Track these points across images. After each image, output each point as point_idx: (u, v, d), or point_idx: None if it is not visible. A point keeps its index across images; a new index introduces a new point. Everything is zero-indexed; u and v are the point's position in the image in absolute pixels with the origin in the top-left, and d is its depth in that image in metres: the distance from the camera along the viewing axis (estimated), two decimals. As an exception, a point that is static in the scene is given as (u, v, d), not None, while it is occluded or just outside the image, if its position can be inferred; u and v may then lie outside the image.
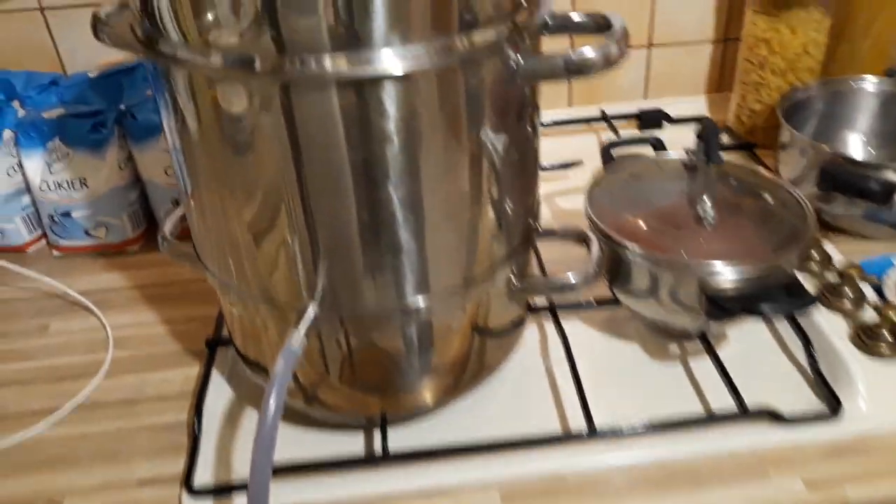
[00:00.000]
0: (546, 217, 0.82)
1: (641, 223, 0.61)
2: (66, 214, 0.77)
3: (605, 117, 0.96)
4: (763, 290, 0.54)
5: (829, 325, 0.63)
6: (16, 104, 0.81)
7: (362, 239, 0.44)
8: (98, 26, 0.50)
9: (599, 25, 0.47)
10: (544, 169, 0.85)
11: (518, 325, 0.59)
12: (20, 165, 0.76)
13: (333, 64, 0.38)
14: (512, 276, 0.53)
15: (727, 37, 0.99)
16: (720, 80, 1.03)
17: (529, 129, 0.50)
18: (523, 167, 0.51)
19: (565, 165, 0.87)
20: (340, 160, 0.41)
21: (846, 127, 0.87)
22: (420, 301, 0.48)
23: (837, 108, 0.86)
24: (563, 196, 0.85)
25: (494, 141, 0.46)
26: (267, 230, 0.45)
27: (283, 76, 0.38)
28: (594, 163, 0.86)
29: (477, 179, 0.46)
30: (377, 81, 0.39)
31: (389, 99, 0.40)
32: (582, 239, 0.57)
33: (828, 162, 0.74)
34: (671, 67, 1.01)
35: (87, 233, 0.78)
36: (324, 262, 0.45)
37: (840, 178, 0.73)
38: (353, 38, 0.38)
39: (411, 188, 0.43)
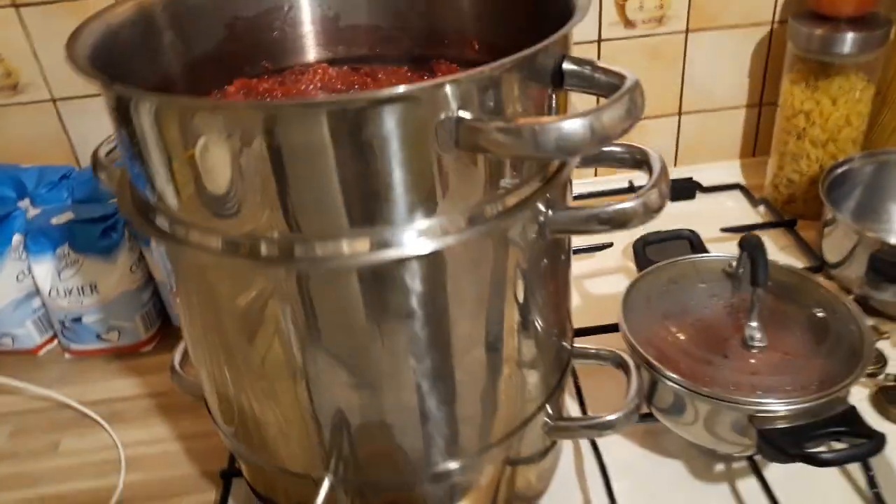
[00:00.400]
0: (575, 302, 0.78)
1: (682, 338, 0.57)
2: (77, 320, 0.74)
3: (632, 189, 0.92)
4: (820, 425, 0.50)
5: (890, 439, 0.58)
6: (26, 202, 0.79)
7: (384, 412, 0.40)
8: (97, 167, 0.47)
9: (637, 161, 0.43)
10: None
11: (552, 454, 0.55)
12: (29, 269, 0.74)
13: (351, 248, 0.34)
14: (548, 419, 0.49)
15: (762, 102, 0.95)
16: (755, 145, 0.98)
17: (560, 263, 0.46)
18: (557, 304, 0.47)
19: (594, 248, 0.83)
20: (358, 339, 0.38)
21: (893, 199, 0.82)
22: (448, 465, 0.44)
23: (883, 180, 0.82)
24: (591, 279, 0.81)
25: (526, 293, 0.42)
26: (276, 402, 0.42)
27: (293, 263, 0.35)
28: (622, 240, 0.82)
29: (509, 336, 0.42)
30: (399, 262, 0.35)
31: (411, 276, 0.36)
32: (620, 365, 0.53)
33: (875, 250, 0.69)
34: (702, 133, 0.97)
35: (99, 337, 0.75)
36: (341, 435, 0.41)
37: (889, 268, 0.68)
38: (373, 217, 0.34)
39: (437, 359, 0.40)
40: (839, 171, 0.79)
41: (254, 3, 0.50)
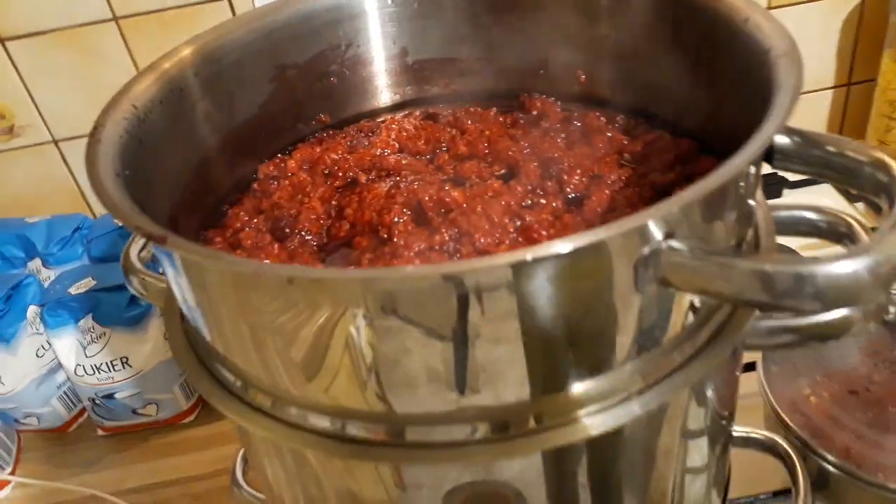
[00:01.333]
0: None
1: (835, 408, 0.47)
2: (109, 396, 0.65)
3: (779, 180, 0.82)
4: None
5: None
6: (37, 263, 0.70)
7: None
8: (129, 272, 0.37)
9: (839, 234, 0.34)
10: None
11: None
12: (50, 342, 0.65)
13: (497, 430, 0.25)
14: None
15: (850, 81, 0.84)
16: (841, 129, 0.88)
17: (737, 365, 0.37)
18: (732, 405, 0.38)
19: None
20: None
21: None
22: None
23: None
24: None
25: (708, 418, 0.32)
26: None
27: (407, 451, 0.25)
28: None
29: (687, 471, 0.33)
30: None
31: (572, 459, 0.27)
32: (778, 454, 0.44)
33: None
34: (783, 120, 0.86)
35: (134, 412, 0.67)
36: None
37: None
38: (533, 392, 0.25)
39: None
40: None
41: (305, 47, 0.40)
